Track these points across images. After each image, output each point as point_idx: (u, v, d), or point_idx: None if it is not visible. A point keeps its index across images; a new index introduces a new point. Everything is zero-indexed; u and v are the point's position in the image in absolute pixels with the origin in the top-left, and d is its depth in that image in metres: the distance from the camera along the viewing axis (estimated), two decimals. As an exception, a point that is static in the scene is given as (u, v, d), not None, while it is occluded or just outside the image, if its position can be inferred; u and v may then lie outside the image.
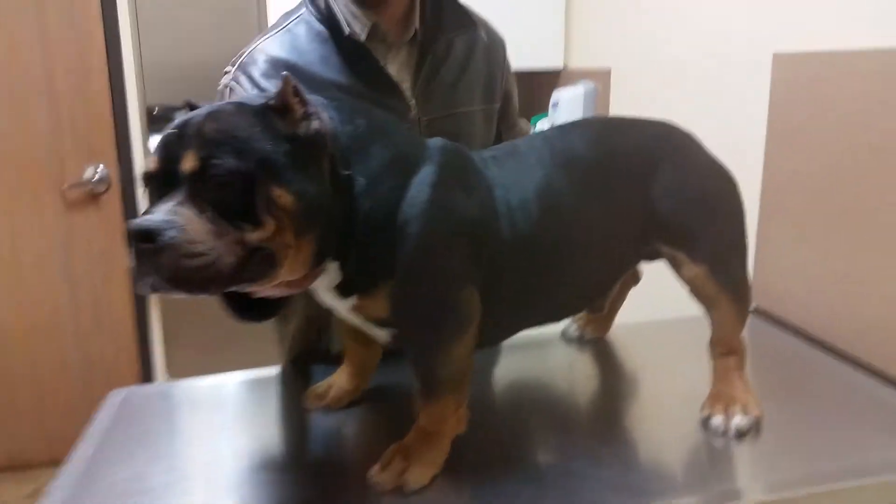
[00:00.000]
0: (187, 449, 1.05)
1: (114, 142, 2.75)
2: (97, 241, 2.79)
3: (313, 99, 0.84)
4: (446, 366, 0.91)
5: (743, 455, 0.98)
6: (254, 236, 0.75)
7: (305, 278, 0.86)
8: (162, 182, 0.76)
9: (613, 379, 1.26)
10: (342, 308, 0.93)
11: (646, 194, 1.02)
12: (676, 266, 1.06)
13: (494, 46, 1.36)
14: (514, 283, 0.96)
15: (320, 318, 1.27)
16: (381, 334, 0.96)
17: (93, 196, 2.75)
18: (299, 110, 0.80)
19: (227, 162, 0.74)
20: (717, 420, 1.02)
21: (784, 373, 1.23)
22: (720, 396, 1.05)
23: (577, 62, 2.58)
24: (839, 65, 1.30)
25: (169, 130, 0.78)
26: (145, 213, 0.74)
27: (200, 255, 0.72)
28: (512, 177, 0.97)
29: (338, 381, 1.14)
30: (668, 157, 1.04)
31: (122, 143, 2.76)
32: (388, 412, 1.12)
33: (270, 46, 1.18)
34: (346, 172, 0.84)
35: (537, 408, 1.15)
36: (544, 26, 2.63)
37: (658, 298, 1.38)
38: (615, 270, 1.09)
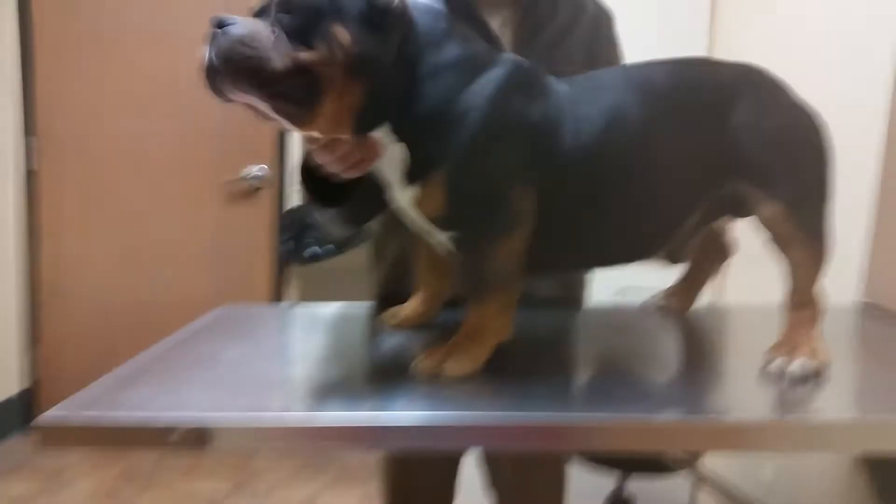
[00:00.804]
0: (263, 342, 1.16)
1: (275, 144, 3.04)
2: (249, 234, 3.07)
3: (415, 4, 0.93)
4: (495, 263, 0.95)
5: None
6: (304, 56, 0.85)
7: (368, 150, 0.93)
8: (260, 13, 0.88)
9: (679, 349, 1.23)
10: (406, 201, 0.98)
11: (722, 127, 1.01)
12: (754, 205, 1.03)
13: (601, 18, 1.39)
14: (574, 197, 0.99)
15: (407, 261, 1.34)
16: (443, 239, 1.01)
17: (248, 192, 3.04)
18: None
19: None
20: (778, 363, 0.98)
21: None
22: (786, 342, 1.01)
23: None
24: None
25: None
26: None
27: (253, 47, 0.83)
28: (583, 94, 1.01)
29: (412, 304, 1.20)
30: (749, 93, 1.03)
31: (281, 146, 3.06)
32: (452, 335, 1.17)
33: None
34: (414, 50, 0.92)
35: (592, 354, 1.16)
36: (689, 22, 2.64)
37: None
38: (684, 207, 1.06)
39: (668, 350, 1.18)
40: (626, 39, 1.48)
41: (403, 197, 0.98)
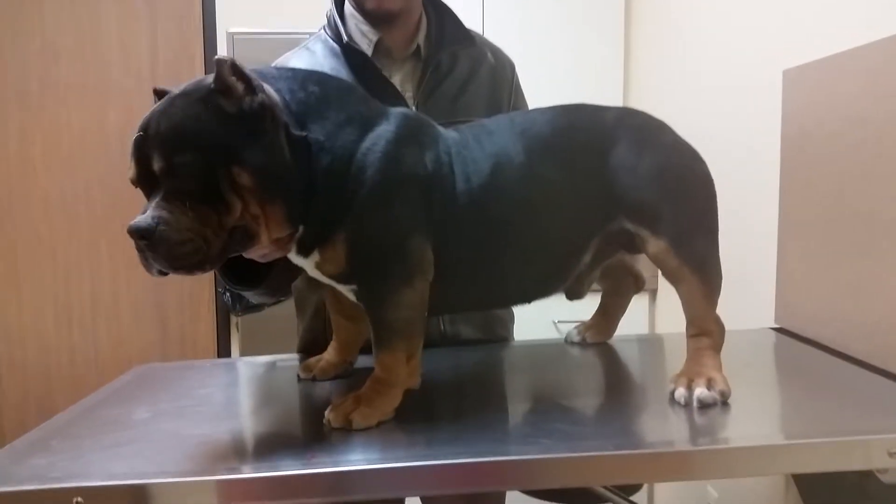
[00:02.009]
0: (176, 400, 1.15)
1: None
2: (188, 285, 3.04)
3: (262, 72, 0.94)
4: (396, 312, 0.97)
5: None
6: (228, 219, 0.86)
7: (288, 239, 0.95)
8: (145, 182, 0.88)
9: (600, 376, 1.27)
10: (308, 266, 1.00)
11: (603, 169, 1.06)
12: (642, 244, 1.07)
13: (501, 67, 1.45)
14: (469, 240, 1.02)
15: (326, 310, 1.35)
16: (348, 292, 1.03)
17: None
18: (240, 88, 0.87)
19: (187, 157, 0.84)
20: (680, 392, 1.01)
21: (801, 379, 1.19)
22: (686, 372, 1.04)
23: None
24: (843, 65, 1.30)
25: (136, 133, 0.88)
26: (142, 212, 0.86)
27: (190, 241, 0.84)
28: (470, 140, 1.04)
29: (326, 355, 1.21)
30: (627, 135, 1.07)
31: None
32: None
33: (293, 62, 1.34)
34: (301, 133, 0.92)
35: (511, 392, 1.18)
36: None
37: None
38: (575, 246, 1.10)
39: (590, 382, 1.21)
40: (544, 88, 1.54)
41: (302, 262, 1.00)
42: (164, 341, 3.07)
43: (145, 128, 0.86)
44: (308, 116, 0.94)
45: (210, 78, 0.88)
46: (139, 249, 0.85)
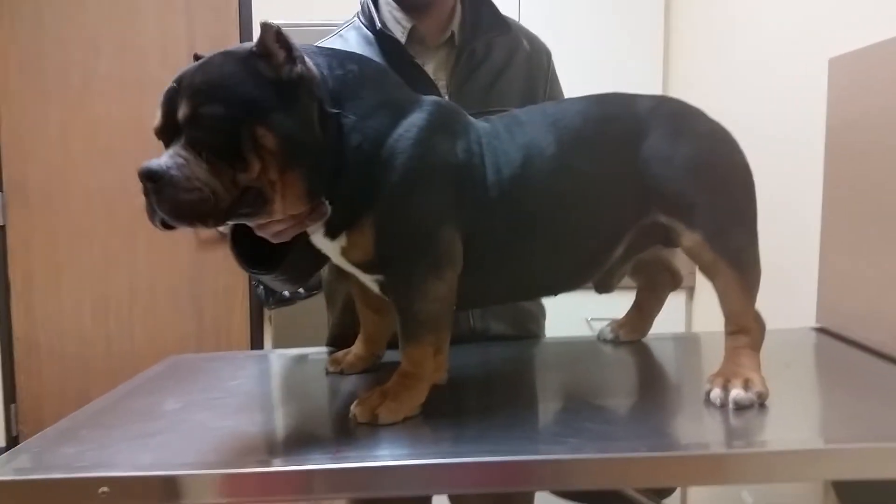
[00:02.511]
0: (206, 392, 1.15)
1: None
2: (223, 277, 3.07)
3: (303, 48, 0.93)
4: (424, 303, 0.95)
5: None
6: (244, 176, 0.85)
7: (308, 215, 0.93)
8: (168, 133, 0.87)
9: (633, 374, 1.24)
10: (333, 252, 0.99)
11: (636, 160, 1.03)
12: (677, 237, 1.04)
13: (537, 55, 1.43)
14: (498, 231, 1.00)
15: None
16: (372, 283, 1.02)
17: (222, 236, 3.04)
18: (281, 55, 0.86)
19: (215, 108, 0.84)
20: (716, 392, 0.98)
21: (842, 381, 1.15)
22: (722, 372, 1.01)
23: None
24: (891, 53, 1.25)
25: (168, 86, 0.88)
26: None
27: (198, 189, 0.82)
28: (502, 131, 1.02)
29: (354, 349, 1.20)
30: (661, 125, 1.04)
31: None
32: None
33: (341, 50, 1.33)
34: (334, 111, 0.91)
35: (540, 389, 1.16)
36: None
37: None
38: (607, 238, 1.07)
39: (623, 381, 1.18)
40: (581, 76, 1.51)
41: (328, 246, 0.98)
42: (199, 333, 3.10)
43: (179, 80, 0.86)
44: (343, 94, 0.93)
45: (253, 43, 0.88)
46: (145, 194, 0.83)
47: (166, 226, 0.86)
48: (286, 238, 0.97)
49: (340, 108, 0.92)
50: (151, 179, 0.82)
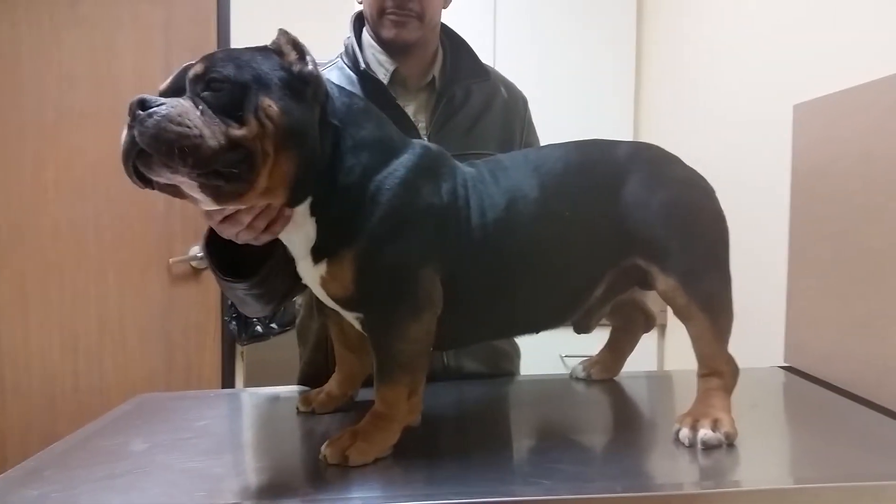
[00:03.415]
0: (174, 432, 1.13)
1: (218, 223, 3.04)
2: (194, 314, 3.04)
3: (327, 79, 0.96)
4: (402, 344, 0.95)
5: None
6: (237, 132, 0.84)
7: (281, 217, 0.94)
8: (171, 93, 0.86)
9: (606, 413, 1.24)
10: (313, 281, 0.98)
11: (615, 205, 1.05)
12: (653, 281, 1.06)
13: (514, 101, 1.46)
14: (482, 274, 1.01)
15: (328, 342, 1.34)
16: (354, 321, 1.02)
17: (194, 272, 3.02)
18: (292, 55, 0.91)
19: (226, 70, 0.86)
20: (685, 433, 0.99)
21: (810, 420, 1.17)
22: (692, 412, 1.02)
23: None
24: (854, 100, 1.29)
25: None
26: None
27: (186, 126, 0.80)
28: (487, 175, 1.04)
29: (327, 387, 1.20)
30: (638, 170, 1.07)
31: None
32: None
33: None
34: (336, 122, 0.94)
35: (514, 428, 1.16)
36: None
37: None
38: (586, 281, 1.09)
39: (595, 420, 1.19)
40: (555, 119, 1.54)
41: (309, 274, 0.98)
42: (169, 370, 3.05)
43: (199, 59, 0.88)
44: (347, 119, 0.96)
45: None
46: (130, 126, 0.80)
47: (140, 177, 0.84)
48: (249, 237, 0.96)
49: (344, 127, 0.95)
50: (142, 107, 0.80)
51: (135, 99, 0.80)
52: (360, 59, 1.32)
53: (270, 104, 0.86)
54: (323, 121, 0.93)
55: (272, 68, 0.89)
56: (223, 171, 0.84)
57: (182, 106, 0.82)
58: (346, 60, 1.37)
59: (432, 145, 1.06)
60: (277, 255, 1.03)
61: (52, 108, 3.00)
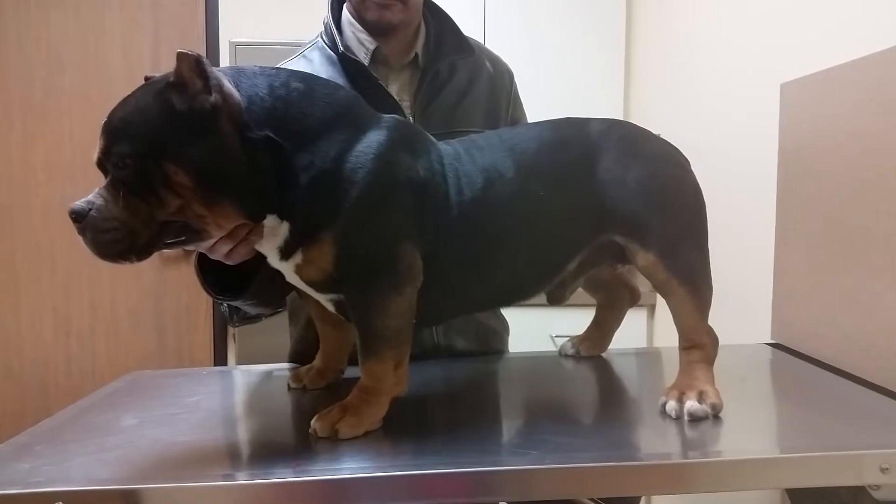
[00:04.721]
0: (164, 408, 1.14)
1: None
2: (185, 295, 3.04)
3: (243, 70, 0.93)
4: (384, 319, 0.95)
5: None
6: (161, 213, 0.86)
7: (253, 231, 0.94)
8: (103, 167, 0.90)
9: (593, 388, 1.25)
10: (287, 270, 0.98)
11: (590, 183, 1.05)
12: (632, 256, 1.07)
13: (500, 76, 1.46)
14: (460, 248, 1.01)
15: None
16: (327, 303, 1.02)
17: (186, 254, 3.02)
18: (197, 85, 0.85)
19: (123, 147, 0.85)
20: (671, 405, 1.00)
21: (795, 394, 1.18)
22: (677, 385, 1.03)
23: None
24: (840, 78, 1.30)
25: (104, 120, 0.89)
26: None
27: (113, 229, 0.85)
28: (463, 154, 1.04)
29: (316, 363, 1.20)
30: (613, 147, 1.07)
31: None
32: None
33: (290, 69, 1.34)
34: (262, 134, 0.88)
35: (502, 403, 1.17)
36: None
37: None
38: (563, 255, 1.10)
39: (584, 395, 1.20)
40: (545, 97, 1.54)
41: (283, 265, 0.98)
42: (161, 351, 3.06)
43: (110, 114, 0.88)
44: (288, 114, 0.91)
45: (165, 77, 0.88)
46: (77, 231, 0.87)
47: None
48: (238, 258, 0.98)
49: (283, 127, 0.90)
50: (76, 220, 0.86)
51: (70, 211, 0.87)
52: (339, 42, 1.31)
53: (176, 170, 0.85)
54: (246, 137, 0.88)
55: (171, 119, 0.85)
56: (172, 242, 0.89)
57: (104, 204, 0.86)
58: (325, 40, 1.36)
59: (404, 119, 1.04)
60: (266, 268, 1.03)
61: (39, 89, 2.99)
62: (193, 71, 0.85)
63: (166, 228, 0.87)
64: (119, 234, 0.85)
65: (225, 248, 0.95)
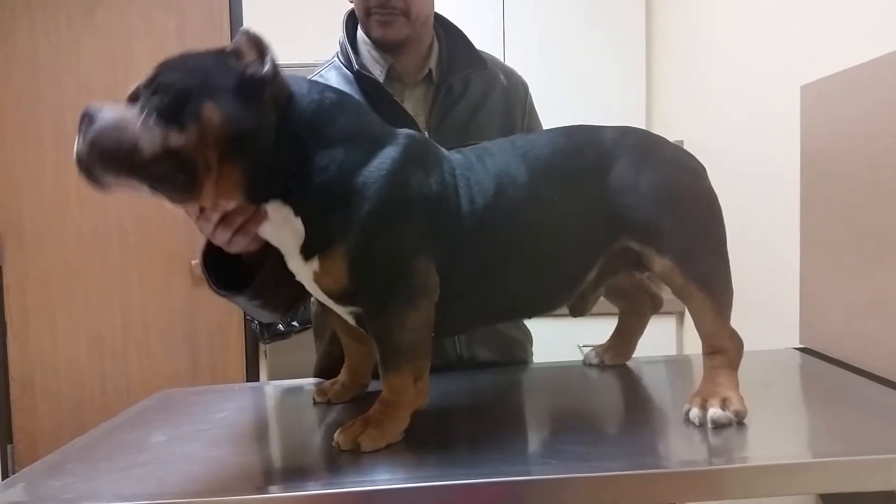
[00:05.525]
0: (194, 424, 1.16)
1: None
2: (217, 314, 3.08)
3: (287, 75, 0.95)
4: (402, 334, 0.96)
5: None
6: (175, 141, 0.85)
7: (250, 220, 0.95)
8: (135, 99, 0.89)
9: (618, 397, 1.25)
10: (307, 277, 0.99)
11: (604, 189, 1.05)
12: (649, 263, 1.06)
13: (514, 88, 1.46)
14: (474, 261, 1.02)
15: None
16: (348, 316, 1.03)
17: (216, 272, 3.07)
18: (251, 55, 0.90)
19: (172, 76, 0.87)
20: (694, 412, 0.99)
21: (824, 398, 1.17)
22: (700, 392, 1.02)
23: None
24: (861, 78, 1.28)
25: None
26: None
27: (120, 133, 0.82)
28: (475, 161, 1.05)
29: (340, 378, 1.22)
30: (626, 154, 1.07)
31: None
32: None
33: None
34: (301, 123, 0.93)
35: (526, 413, 1.17)
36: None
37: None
38: (579, 265, 1.10)
39: (609, 404, 1.20)
40: (565, 107, 1.54)
41: (302, 271, 0.99)
42: (194, 370, 3.11)
43: (165, 58, 0.90)
44: (318, 118, 0.95)
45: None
46: (79, 129, 0.84)
47: (90, 176, 0.85)
48: (238, 248, 0.99)
49: (311, 125, 0.94)
50: (88, 114, 0.83)
51: (85, 109, 0.84)
52: (353, 60, 1.33)
53: (213, 111, 0.86)
54: (283, 123, 0.92)
55: (222, 72, 0.89)
56: (163, 177, 0.86)
57: (123, 114, 0.84)
58: (341, 59, 1.38)
59: (417, 134, 1.05)
60: (269, 266, 1.05)
61: (71, 117, 3.05)
62: (252, 44, 0.90)
63: (172, 158, 0.85)
64: (124, 137, 0.82)
65: (224, 235, 0.96)
